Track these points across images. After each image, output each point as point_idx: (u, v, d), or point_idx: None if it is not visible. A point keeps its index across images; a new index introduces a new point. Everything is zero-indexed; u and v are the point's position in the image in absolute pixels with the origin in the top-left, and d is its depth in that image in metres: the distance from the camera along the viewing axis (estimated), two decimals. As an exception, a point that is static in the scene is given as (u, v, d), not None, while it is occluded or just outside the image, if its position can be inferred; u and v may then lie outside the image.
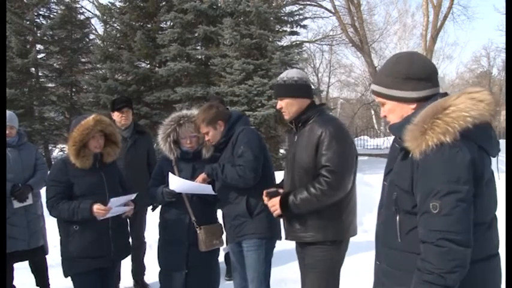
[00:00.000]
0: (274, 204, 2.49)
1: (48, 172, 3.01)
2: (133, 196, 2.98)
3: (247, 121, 3.04)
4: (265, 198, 2.55)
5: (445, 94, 1.64)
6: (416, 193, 1.55)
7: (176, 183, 2.92)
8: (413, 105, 1.65)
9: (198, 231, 2.95)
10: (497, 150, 1.62)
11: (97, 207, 2.74)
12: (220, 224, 3.13)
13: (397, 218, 1.62)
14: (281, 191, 2.56)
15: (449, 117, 1.48)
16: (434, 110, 1.51)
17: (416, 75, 1.64)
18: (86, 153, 2.84)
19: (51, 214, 2.88)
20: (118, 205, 2.86)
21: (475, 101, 1.50)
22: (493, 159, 1.63)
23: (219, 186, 2.91)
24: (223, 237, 3.11)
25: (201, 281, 3.02)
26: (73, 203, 2.78)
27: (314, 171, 2.42)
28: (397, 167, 1.66)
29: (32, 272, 3.78)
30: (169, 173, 2.96)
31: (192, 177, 2.97)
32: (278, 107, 2.62)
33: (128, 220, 4.16)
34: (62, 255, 2.93)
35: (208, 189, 2.90)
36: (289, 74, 2.59)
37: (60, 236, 2.92)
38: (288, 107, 2.56)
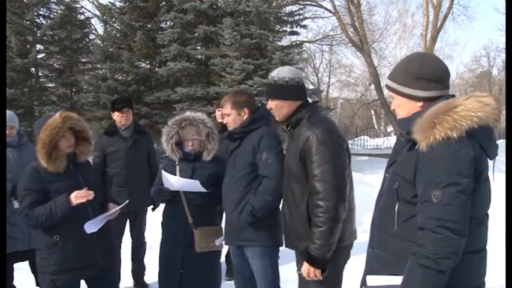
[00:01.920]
0: (307, 270, 2.30)
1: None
2: (113, 211, 2.85)
3: (271, 121, 2.90)
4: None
5: (452, 96, 1.74)
6: (418, 183, 1.65)
7: (167, 180, 2.94)
8: (420, 104, 1.76)
9: (194, 232, 2.96)
10: (495, 153, 1.72)
11: (75, 194, 2.57)
12: (220, 227, 3.09)
13: (396, 206, 1.72)
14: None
15: (458, 115, 1.59)
16: (444, 107, 1.62)
17: (426, 75, 1.74)
18: (58, 155, 2.63)
19: (29, 224, 2.64)
20: (100, 219, 2.74)
21: (482, 104, 1.61)
22: (490, 162, 1.72)
23: (224, 186, 2.87)
24: (222, 239, 3.05)
25: (197, 282, 3.00)
26: (48, 203, 2.58)
27: (303, 177, 2.35)
28: (401, 158, 1.76)
29: (32, 272, 3.77)
30: (162, 171, 2.98)
31: (191, 178, 2.97)
32: (268, 107, 2.56)
33: (128, 220, 4.19)
34: (40, 270, 2.71)
35: (196, 185, 2.88)
36: (280, 74, 2.50)
37: (37, 249, 2.73)
38: (278, 109, 2.50)
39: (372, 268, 1.84)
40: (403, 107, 1.81)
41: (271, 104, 2.52)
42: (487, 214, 1.72)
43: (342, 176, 2.31)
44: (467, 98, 1.64)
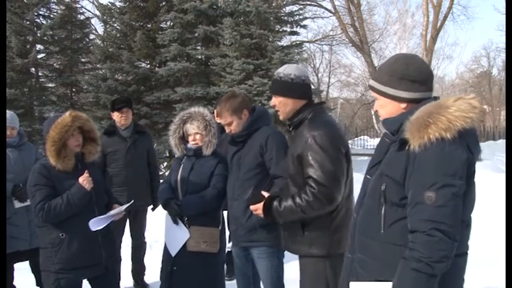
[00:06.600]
0: (257, 209, 2.39)
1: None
2: (119, 210, 2.86)
3: (271, 118, 2.88)
4: (250, 203, 2.44)
5: (437, 98, 1.72)
6: (408, 185, 1.59)
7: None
8: (404, 105, 1.72)
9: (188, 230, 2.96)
10: (478, 156, 1.68)
11: (81, 180, 2.63)
12: (217, 229, 3.01)
13: (383, 209, 1.66)
14: (266, 194, 2.43)
15: (452, 115, 1.55)
16: (437, 108, 1.59)
17: (410, 76, 1.70)
18: (67, 153, 2.65)
19: (46, 218, 2.59)
20: (106, 217, 2.75)
21: (471, 106, 1.59)
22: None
23: (229, 188, 2.85)
24: (217, 243, 2.99)
25: (185, 280, 2.97)
26: (62, 196, 2.60)
27: (300, 179, 2.31)
28: (389, 159, 1.70)
29: (32, 272, 3.78)
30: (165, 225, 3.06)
31: (190, 173, 3.00)
32: (272, 104, 2.50)
33: (128, 220, 4.19)
34: (43, 269, 2.70)
35: (181, 239, 2.95)
36: (286, 70, 2.45)
37: (42, 248, 2.72)
38: (282, 106, 2.44)
39: (353, 274, 1.78)
40: (385, 108, 1.76)
41: (275, 101, 2.47)
42: (471, 217, 1.69)
43: (338, 182, 2.26)
44: (456, 99, 1.61)
